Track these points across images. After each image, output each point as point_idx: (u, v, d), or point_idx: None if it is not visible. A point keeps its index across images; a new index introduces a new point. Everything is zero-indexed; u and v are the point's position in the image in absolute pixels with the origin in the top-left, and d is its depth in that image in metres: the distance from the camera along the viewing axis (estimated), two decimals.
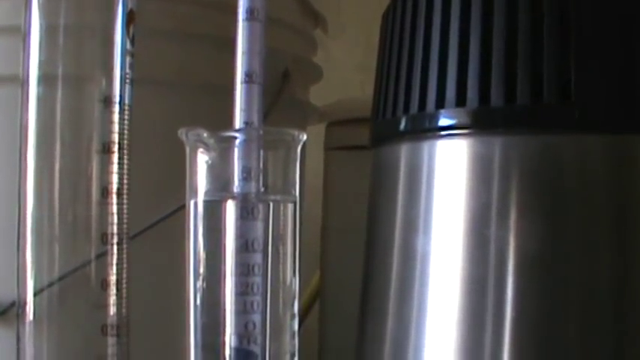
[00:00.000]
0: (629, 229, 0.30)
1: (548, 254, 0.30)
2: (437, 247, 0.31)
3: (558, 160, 0.30)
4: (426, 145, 0.32)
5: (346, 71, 0.57)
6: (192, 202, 0.25)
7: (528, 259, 0.30)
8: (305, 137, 0.25)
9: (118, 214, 0.32)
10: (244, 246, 0.25)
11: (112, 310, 0.32)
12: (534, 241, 0.30)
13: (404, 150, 0.33)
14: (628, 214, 0.30)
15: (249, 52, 0.25)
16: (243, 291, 0.25)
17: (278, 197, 0.25)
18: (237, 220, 0.25)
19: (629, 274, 0.30)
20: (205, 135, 0.24)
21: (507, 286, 0.30)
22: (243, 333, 0.25)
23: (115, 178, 0.32)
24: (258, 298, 0.25)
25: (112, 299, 0.32)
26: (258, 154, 0.25)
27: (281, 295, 0.26)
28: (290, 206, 0.26)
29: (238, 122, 0.25)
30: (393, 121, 0.33)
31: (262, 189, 0.25)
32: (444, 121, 0.31)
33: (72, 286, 0.32)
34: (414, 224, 0.32)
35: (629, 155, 0.30)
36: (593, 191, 0.30)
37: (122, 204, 0.32)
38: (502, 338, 0.30)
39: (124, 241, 0.32)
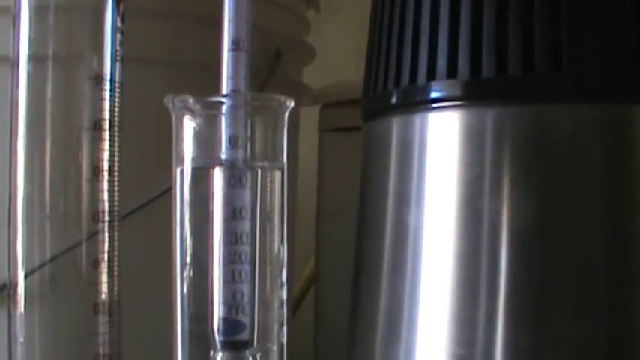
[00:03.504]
0: (624, 199, 0.30)
1: (541, 225, 0.29)
2: (429, 220, 0.31)
3: (551, 131, 0.30)
4: (417, 118, 0.32)
5: (341, 54, 0.57)
6: (178, 170, 0.25)
7: (522, 230, 0.30)
8: (292, 104, 0.25)
9: (109, 192, 0.32)
10: (232, 214, 0.25)
11: (104, 288, 0.32)
12: (527, 213, 0.29)
13: (395, 123, 0.33)
14: (622, 184, 0.30)
15: (236, 20, 0.25)
16: (231, 260, 0.25)
17: (265, 164, 0.25)
18: (224, 187, 0.25)
19: (623, 245, 0.29)
20: (191, 101, 0.24)
21: (501, 259, 0.30)
22: (232, 302, 0.25)
23: (105, 156, 0.32)
24: (246, 267, 0.25)
25: (104, 278, 0.32)
26: (246, 121, 0.25)
27: (269, 263, 0.25)
28: (277, 173, 0.25)
29: (225, 90, 0.25)
30: (384, 94, 0.33)
31: (249, 156, 0.25)
32: (435, 94, 0.31)
33: (64, 265, 0.31)
34: (407, 198, 0.32)
35: (623, 124, 0.30)
36: (587, 161, 0.30)
37: (113, 182, 0.32)
38: (496, 311, 0.29)
39: (116, 219, 0.32)
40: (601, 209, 0.29)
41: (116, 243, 0.32)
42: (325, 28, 0.63)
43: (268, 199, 0.25)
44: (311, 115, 0.52)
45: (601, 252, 0.29)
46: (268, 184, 0.25)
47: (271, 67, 0.41)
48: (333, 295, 0.47)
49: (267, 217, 0.25)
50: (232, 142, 0.25)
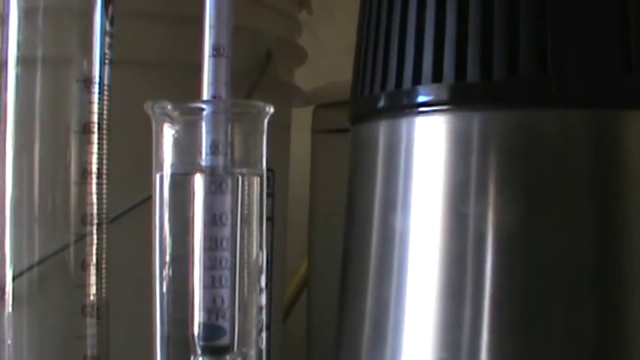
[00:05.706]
0: (609, 204, 0.29)
1: (526, 230, 0.29)
2: (416, 224, 0.31)
3: (537, 136, 0.30)
4: (403, 122, 0.32)
5: (336, 55, 0.57)
6: (158, 176, 0.25)
7: (507, 235, 0.29)
8: (272, 110, 0.25)
9: (98, 195, 0.32)
10: (212, 220, 0.25)
11: (92, 290, 0.32)
12: (513, 218, 0.29)
13: (382, 127, 0.33)
14: (608, 190, 0.29)
15: (217, 26, 0.25)
16: (211, 265, 0.25)
17: (245, 170, 0.25)
18: (205, 193, 0.25)
19: (609, 250, 0.29)
20: (170, 107, 0.24)
21: (486, 263, 0.29)
22: (212, 308, 0.25)
23: (94, 159, 0.32)
24: (226, 273, 0.25)
25: (92, 280, 0.32)
26: (227, 127, 0.25)
27: (248, 269, 0.25)
28: (256, 180, 0.25)
29: (206, 96, 0.25)
30: (370, 98, 0.33)
31: (229, 162, 0.25)
32: (421, 98, 0.31)
33: (52, 267, 0.31)
34: (393, 202, 0.32)
35: (609, 129, 0.30)
36: (573, 166, 0.29)
37: (102, 184, 0.32)
38: (481, 315, 0.29)
39: (104, 222, 0.32)
40: (587, 214, 0.29)
41: (104, 245, 0.32)
42: (321, 29, 0.63)
43: (247, 205, 0.25)
44: (304, 116, 0.52)
45: (587, 257, 0.29)
46: (247, 191, 0.25)
47: (262, 69, 0.41)
48: (327, 297, 0.47)
49: (246, 223, 0.25)
50: (213, 148, 0.25)
